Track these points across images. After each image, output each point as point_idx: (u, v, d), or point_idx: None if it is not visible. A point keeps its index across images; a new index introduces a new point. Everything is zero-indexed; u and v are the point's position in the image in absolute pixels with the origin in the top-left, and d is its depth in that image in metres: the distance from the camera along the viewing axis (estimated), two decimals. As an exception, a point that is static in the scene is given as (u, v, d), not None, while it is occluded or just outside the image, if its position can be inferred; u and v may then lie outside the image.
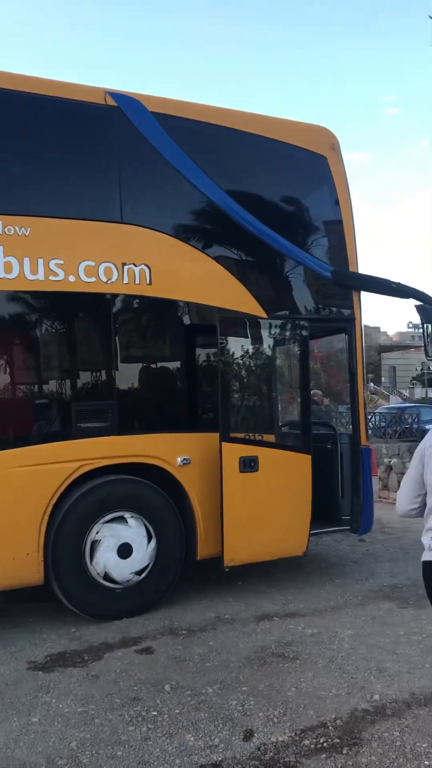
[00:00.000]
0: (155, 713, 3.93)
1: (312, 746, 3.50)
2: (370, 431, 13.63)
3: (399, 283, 6.63)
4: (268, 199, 6.52)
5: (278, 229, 6.29)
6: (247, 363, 6.26)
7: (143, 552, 5.57)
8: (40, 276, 5.31)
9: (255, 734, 3.65)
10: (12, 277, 5.21)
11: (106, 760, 3.45)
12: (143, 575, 5.58)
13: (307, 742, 3.55)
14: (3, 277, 5.18)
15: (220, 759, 3.43)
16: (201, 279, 5.98)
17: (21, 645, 5.02)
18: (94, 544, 5.42)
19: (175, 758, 3.45)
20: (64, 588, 5.35)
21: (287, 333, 6.47)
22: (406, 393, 46.11)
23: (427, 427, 16.80)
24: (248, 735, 3.64)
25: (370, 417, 19.34)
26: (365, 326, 6.95)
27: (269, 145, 6.50)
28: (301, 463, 6.09)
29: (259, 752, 3.48)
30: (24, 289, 5.32)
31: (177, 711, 3.94)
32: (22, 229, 5.25)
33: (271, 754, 3.45)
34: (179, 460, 5.74)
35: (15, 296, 5.37)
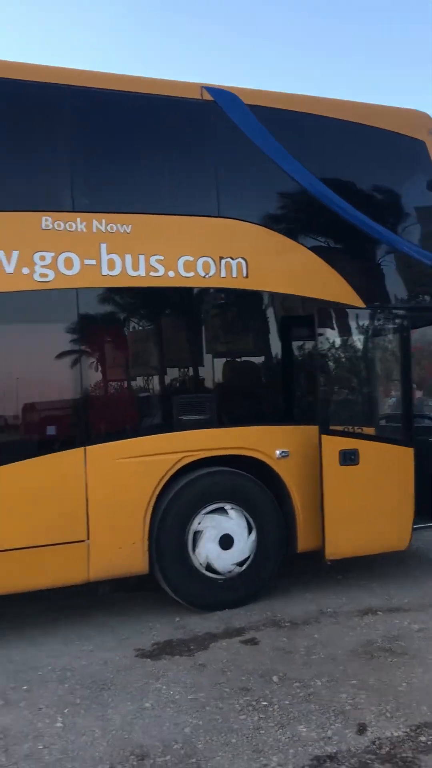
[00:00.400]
0: (265, 703, 3.95)
1: (429, 743, 3.43)
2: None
3: None
4: (365, 186, 6.41)
5: (376, 217, 6.18)
6: (346, 354, 6.19)
7: (244, 543, 5.60)
8: (141, 272, 5.42)
9: (368, 728, 3.61)
10: (115, 273, 5.34)
11: (220, 747, 3.49)
12: (244, 567, 5.61)
13: (423, 738, 3.48)
14: (107, 274, 5.32)
15: (334, 751, 3.41)
16: (298, 270, 5.94)
17: (128, 633, 5.15)
18: (196, 534, 5.50)
19: (289, 748, 3.46)
20: (168, 577, 5.45)
21: (387, 323, 6.34)
22: None
23: None
24: (361, 729, 3.61)
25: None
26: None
27: (365, 132, 6.38)
28: (403, 456, 5.96)
29: (374, 746, 3.43)
30: (126, 286, 5.44)
31: (287, 702, 3.95)
32: (124, 226, 5.37)
33: (387, 748, 3.40)
34: (278, 452, 5.73)
35: (118, 292, 5.50)
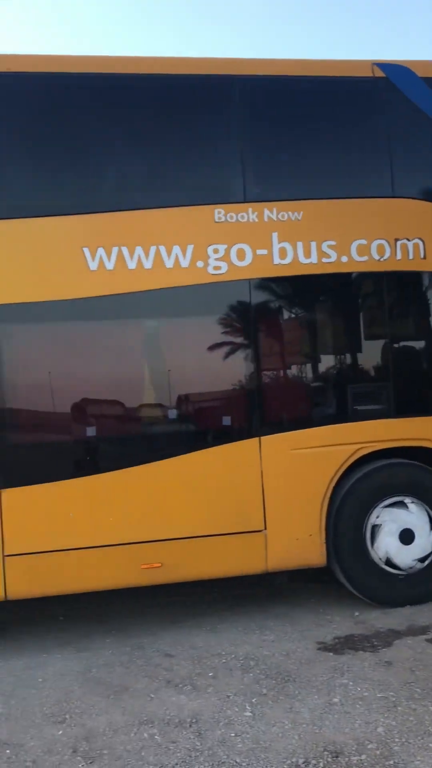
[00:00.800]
0: (462, 708, 3.73)
1: None
2: None
3: None
4: None
5: None
6: None
7: (426, 539, 5.34)
8: (314, 259, 5.33)
9: None
10: (287, 262, 5.28)
11: (418, 751, 3.33)
12: (426, 563, 5.35)
13: None
14: (278, 263, 5.27)
15: None
16: None
17: (307, 625, 5.09)
18: (375, 528, 5.32)
19: None
20: (346, 571, 5.32)
21: None
22: None
23: None
24: None
25: None
26: None
27: None
28: None
29: None
30: (298, 274, 5.35)
31: None
32: (295, 213, 5.30)
33: None
34: (462, 444, 5.41)
35: (290, 281, 5.43)
